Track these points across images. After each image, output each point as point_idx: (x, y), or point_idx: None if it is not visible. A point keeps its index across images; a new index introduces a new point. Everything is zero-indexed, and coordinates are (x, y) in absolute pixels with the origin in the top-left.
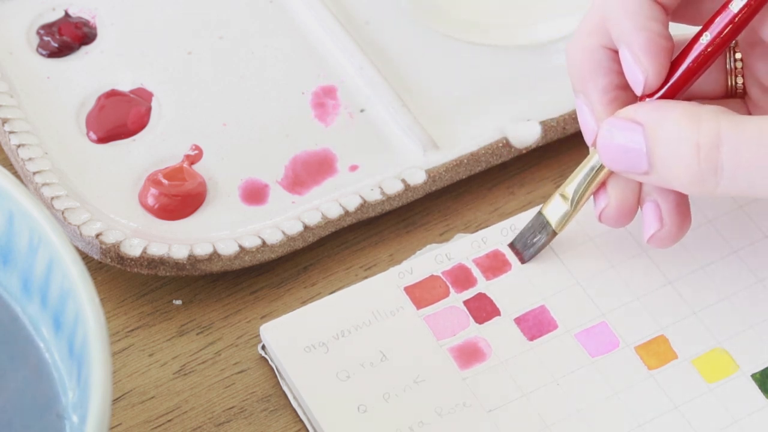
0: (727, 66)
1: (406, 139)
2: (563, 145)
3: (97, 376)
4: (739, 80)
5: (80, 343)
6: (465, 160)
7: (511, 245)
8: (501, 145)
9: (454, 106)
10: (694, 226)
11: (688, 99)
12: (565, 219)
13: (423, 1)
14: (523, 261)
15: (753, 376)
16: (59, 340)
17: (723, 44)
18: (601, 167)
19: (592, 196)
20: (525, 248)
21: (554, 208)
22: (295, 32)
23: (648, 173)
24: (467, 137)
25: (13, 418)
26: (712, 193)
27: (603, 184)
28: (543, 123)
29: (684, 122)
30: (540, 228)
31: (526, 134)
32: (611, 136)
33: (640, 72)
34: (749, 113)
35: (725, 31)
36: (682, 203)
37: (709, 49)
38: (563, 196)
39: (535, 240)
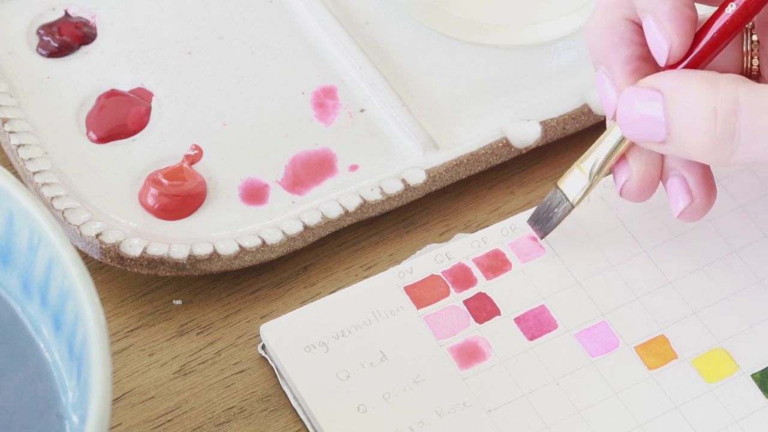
0: (744, 47)
1: (406, 139)
2: (563, 145)
3: (97, 376)
4: (755, 61)
5: (80, 343)
6: (465, 160)
7: (529, 221)
8: (501, 145)
9: (454, 106)
10: (693, 226)
11: None
12: (583, 193)
13: (423, 1)
14: (541, 236)
15: (753, 376)
16: (59, 340)
17: (749, 15)
18: (621, 140)
19: (610, 172)
20: (542, 223)
21: (571, 182)
22: (295, 32)
23: (665, 142)
24: (467, 137)
25: (13, 418)
26: (728, 161)
27: (624, 158)
28: (543, 123)
29: (702, 88)
30: (557, 203)
31: (526, 134)
32: (632, 104)
33: (665, 40)
34: None
35: (751, 2)
36: (707, 174)
37: (734, 20)
38: (581, 170)
39: (551, 215)
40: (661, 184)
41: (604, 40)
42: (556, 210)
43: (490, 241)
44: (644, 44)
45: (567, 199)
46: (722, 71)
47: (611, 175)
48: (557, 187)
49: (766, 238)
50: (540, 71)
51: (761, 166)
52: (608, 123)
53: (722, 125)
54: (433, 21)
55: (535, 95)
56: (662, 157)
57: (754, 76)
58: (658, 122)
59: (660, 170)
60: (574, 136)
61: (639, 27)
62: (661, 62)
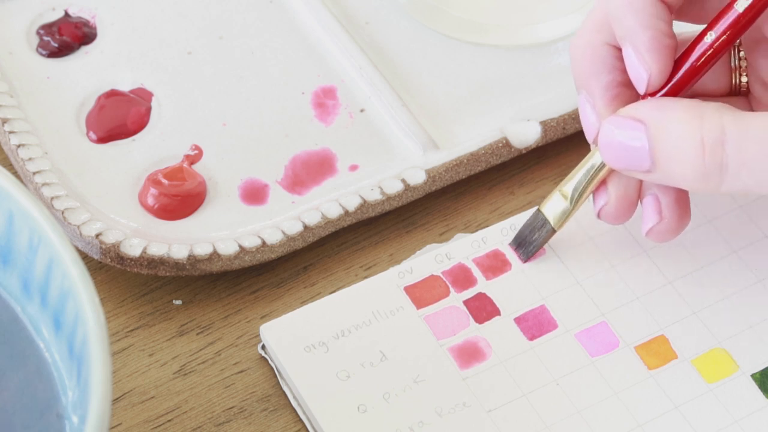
0: (732, 64)
1: (406, 139)
2: (563, 145)
3: (97, 376)
4: (744, 78)
5: (80, 343)
6: (465, 160)
7: (511, 244)
8: (501, 145)
9: (454, 106)
10: (693, 226)
11: (692, 97)
12: (564, 217)
13: (423, 1)
14: (524, 260)
15: (753, 376)
16: (59, 340)
17: (727, 43)
18: (602, 165)
19: (591, 195)
20: (523, 246)
21: (553, 206)
22: (295, 32)
23: (650, 171)
24: (467, 137)
25: (13, 418)
26: (717, 191)
27: (603, 182)
28: (543, 123)
29: (687, 119)
30: (539, 226)
31: (526, 134)
32: (613, 134)
33: (644, 70)
34: (751, 108)
35: (730, 31)
36: (681, 197)
37: (713, 49)
38: (562, 194)
39: (533, 238)
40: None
41: (585, 63)
42: (537, 233)
43: (490, 241)
44: (626, 70)
45: (549, 222)
46: (709, 89)
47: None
48: (539, 211)
49: (766, 238)
50: (540, 71)
51: (752, 194)
52: (592, 147)
53: (710, 157)
54: (433, 21)
55: (535, 95)
56: (640, 180)
57: (743, 92)
58: (642, 152)
59: (638, 193)
60: (574, 136)
61: (620, 52)
62: (641, 90)
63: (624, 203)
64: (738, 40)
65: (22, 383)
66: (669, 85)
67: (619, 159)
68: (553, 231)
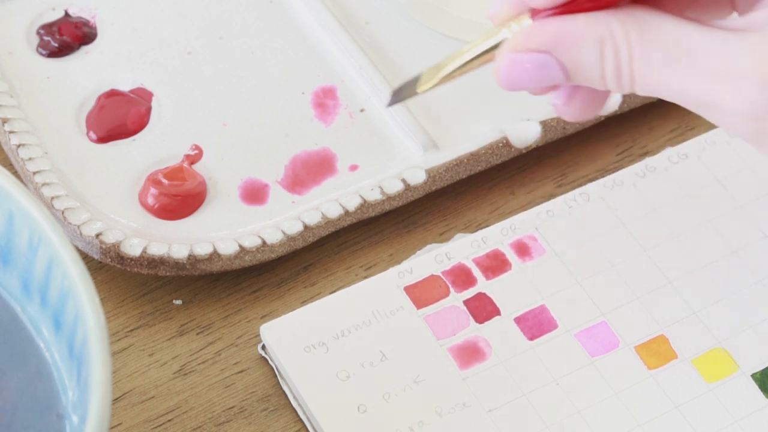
0: None
1: (406, 139)
2: (563, 145)
3: (97, 376)
4: None
5: (80, 342)
6: (465, 160)
7: (393, 91)
8: (501, 144)
9: (454, 106)
10: (693, 226)
11: None
12: (430, 86)
13: (423, 1)
14: (387, 104)
15: (753, 376)
16: (59, 339)
17: None
18: (478, 57)
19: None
20: (395, 95)
21: (431, 74)
22: (295, 32)
23: (566, 81)
24: (467, 137)
25: (13, 418)
26: (633, 91)
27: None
28: (543, 123)
29: (599, 48)
30: (412, 85)
31: (526, 134)
32: (517, 71)
33: None
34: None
35: None
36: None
37: None
38: (438, 67)
39: (404, 92)
40: None
41: None
42: (407, 89)
43: (490, 241)
44: None
45: (417, 84)
46: None
47: (611, 177)
48: (420, 73)
49: (766, 238)
50: None
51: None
52: (477, 40)
53: (627, 78)
54: (433, 21)
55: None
56: None
57: None
58: (555, 76)
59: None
60: (574, 136)
61: None
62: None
63: (584, 108)
64: None
65: (22, 383)
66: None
67: (529, 83)
68: (416, 93)
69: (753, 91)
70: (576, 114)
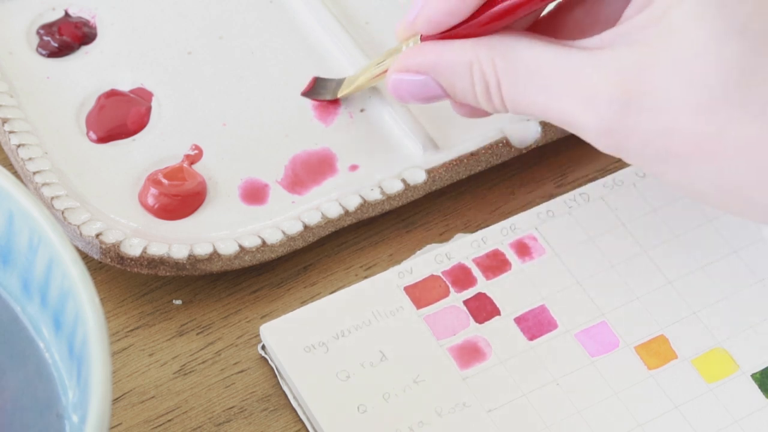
0: None
1: (406, 139)
2: (563, 145)
3: (97, 376)
4: None
5: (80, 343)
6: (465, 160)
7: (314, 79)
8: (501, 144)
9: None
10: (693, 226)
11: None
12: (345, 94)
13: None
14: (301, 93)
15: (753, 376)
16: (59, 340)
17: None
18: (380, 75)
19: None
20: (315, 89)
21: (349, 81)
22: (295, 32)
23: (446, 97)
24: (467, 137)
25: (13, 418)
26: (503, 111)
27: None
28: (543, 123)
29: (467, 73)
30: (334, 85)
31: (526, 134)
32: (403, 87)
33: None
34: None
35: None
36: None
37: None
38: (352, 80)
39: (323, 91)
40: None
41: None
42: (329, 88)
43: (490, 241)
44: None
45: (335, 89)
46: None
47: (611, 177)
48: (345, 78)
49: (766, 237)
50: None
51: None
52: (386, 53)
53: (496, 101)
54: None
55: None
56: None
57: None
58: (435, 95)
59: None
60: (574, 136)
61: None
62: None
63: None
64: None
65: (22, 383)
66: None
67: (414, 100)
68: (335, 96)
69: (602, 107)
70: (468, 114)
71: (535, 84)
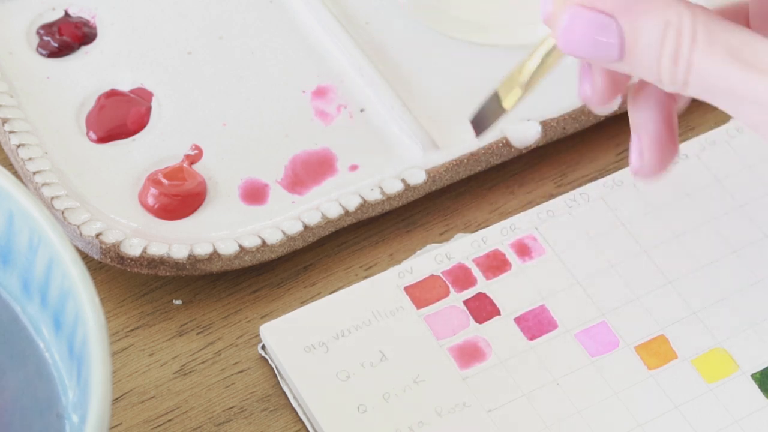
0: None
1: (406, 139)
2: (563, 145)
3: (97, 376)
4: None
5: (80, 343)
6: (465, 160)
7: (471, 121)
8: (501, 144)
9: (454, 106)
10: (693, 226)
11: None
12: (517, 98)
13: (423, 1)
14: (477, 135)
15: (753, 376)
16: (59, 339)
17: None
18: (555, 52)
19: (578, 78)
20: (477, 124)
21: (507, 88)
22: (295, 32)
23: (618, 62)
24: (467, 137)
25: (13, 418)
26: (682, 92)
27: (587, 68)
28: (543, 123)
29: (661, 18)
30: (494, 105)
31: (526, 134)
32: (577, 28)
33: None
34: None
35: None
36: (663, 135)
37: None
38: (514, 78)
39: (488, 116)
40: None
41: None
42: (491, 112)
43: (490, 241)
44: None
45: (501, 103)
46: None
47: (611, 177)
48: (496, 92)
49: (766, 238)
50: None
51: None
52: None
53: (681, 65)
54: (433, 21)
55: (535, 95)
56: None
57: None
58: (612, 47)
59: (624, 82)
60: (574, 136)
61: None
62: None
63: (610, 90)
64: None
65: (22, 383)
66: None
67: (584, 51)
68: (504, 110)
69: None
70: (600, 98)
71: (736, 59)
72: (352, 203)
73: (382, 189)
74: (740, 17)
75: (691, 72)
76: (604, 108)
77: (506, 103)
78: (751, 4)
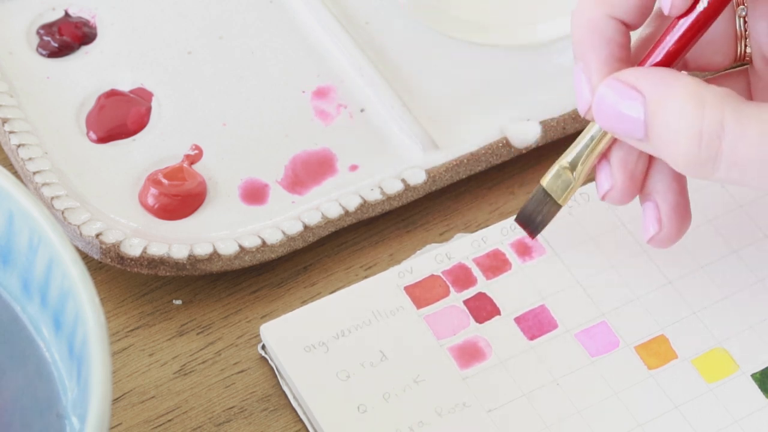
0: (737, 29)
1: (406, 139)
2: (563, 145)
3: (97, 375)
4: (749, 49)
5: (80, 342)
6: (465, 160)
7: (518, 220)
8: (501, 145)
9: (454, 106)
10: (693, 226)
11: (700, 67)
12: (569, 190)
13: (423, 1)
14: (532, 236)
15: (753, 376)
16: (59, 339)
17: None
18: (602, 136)
19: (595, 174)
20: (531, 224)
21: (555, 180)
22: (295, 32)
23: (643, 142)
24: (467, 137)
25: (13, 418)
26: (708, 178)
27: (606, 157)
28: (543, 123)
29: (688, 103)
30: (543, 201)
31: (526, 134)
32: (609, 99)
33: None
34: (749, 83)
35: None
36: (681, 204)
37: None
38: (563, 167)
39: (538, 214)
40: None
41: (585, 36)
42: (542, 209)
43: (490, 241)
44: (625, 46)
45: (552, 198)
46: (714, 62)
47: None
48: (541, 186)
49: (766, 238)
50: (540, 71)
51: (742, 186)
52: (582, 115)
53: (705, 149)
54: (433, 21)
55: (535, 95)
56: (645, 166)
57: (747, 60)
58: (637, 123)
59: (643, 177)
60: (574, 136)
61: (623, 26)
62: (665, 11)
63: (629, 187)
64: (744, 11)
65: (22, 383)
66: (694, 13)
67: (612, 123)
68: (559, 206)
69: None
70: (620, 196)
71: (765, 145)
72: (352, 203)
73: (382, 189)
74: (740, 83)
75: (721, 158)
76: (622, 204)
77: (562, 200)
78: (753, 78)
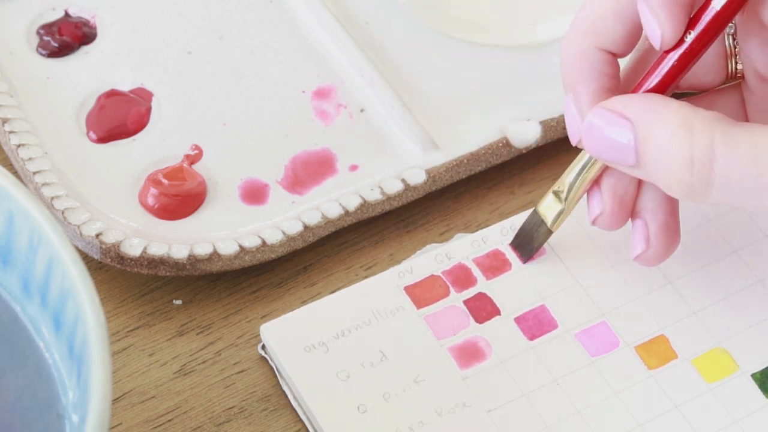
0: (726, 45)
1: (406, 139)
2: (563, 145)
3: (97, 376)
4: (740, 65)
5: (80, 343)
6: (465, 160)
7: (511, 244)
8: (501, 145)
9: (454, 106)
10: (693, 226)
11: (692, 86)
12: (559, 217)
13: (423, 1)
14: (524, 260)
15: (753, 376)
16: (59, 340)
17: (737, 6)
18: (593, 164)
19: (585, 197)
20: (523, 247)
21: (549, 206)
22: (295, 32)
23: (634, 168)
24: (467, 137)
25: (13, 418)
26: (702, 201)
27: (597, 187)
28: (543, 123)
29: (677, 128)
30: (536, 226)
31: (526, 134)
32: (597, 127)
33: (657, 26)
34: (743, 99)
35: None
36: (670, 225)
37: (723, 12)
38: (556, 194)
39: (532, 238)
40: None
41: (574, 67)
42: (535, 234)
43: (490, 241)
44: (614, 75)
45: (545, 223)
46: (705, 82)
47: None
48: (535, 211)
49: (766, 238)
50: (540, 71)
51: (735, 207)
52: (573, 144)
53: (697, 174)
54: (433, 21)
55: (535, 95)
56: (636, 192)
57: (739, 77)
58: (627, 150)
59: (633, 202)
60: None
61: (611, 57)
62: (656, 47)
63: (619, 213)
64: (733, 26)
65: (22, 383)
66: (683, 46)
67: (602, 151)
68: (550, 231)
69: None
70: (609, 221)
71: (757, 165)
72: (352, 203)
73: (382, 189)
74: (734, 99)
75: (713, 180)
76: (612, 229)
77: (554, 226)
78: (746, 94)
